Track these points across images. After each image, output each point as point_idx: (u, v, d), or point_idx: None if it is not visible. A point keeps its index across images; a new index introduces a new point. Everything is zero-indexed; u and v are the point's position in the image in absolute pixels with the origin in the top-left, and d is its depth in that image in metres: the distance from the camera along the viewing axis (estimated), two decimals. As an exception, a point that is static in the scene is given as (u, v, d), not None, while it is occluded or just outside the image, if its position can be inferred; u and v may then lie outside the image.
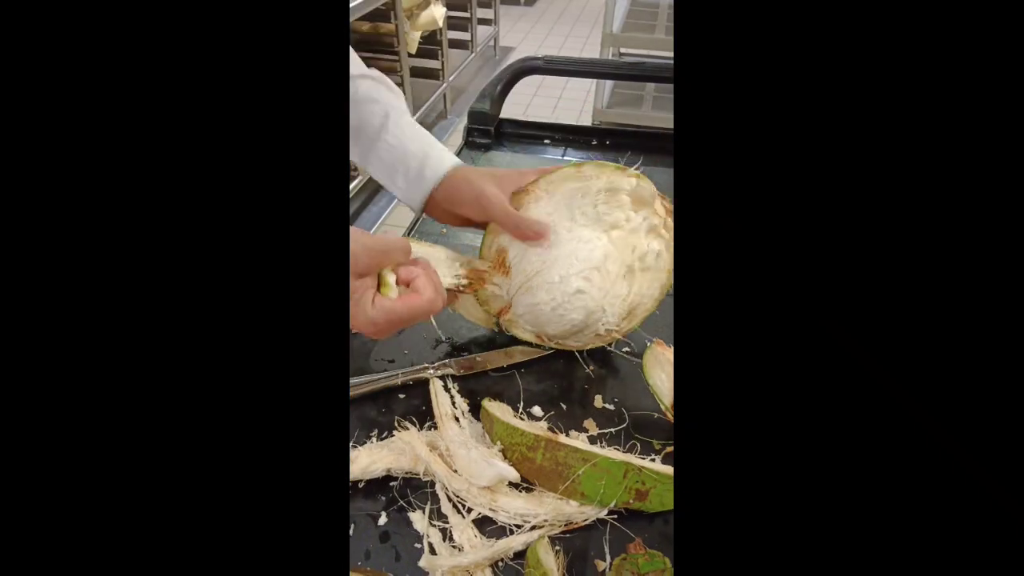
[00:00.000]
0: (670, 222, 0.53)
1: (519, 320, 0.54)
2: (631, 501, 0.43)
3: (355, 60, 0.57)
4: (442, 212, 0.55)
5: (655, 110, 2.25)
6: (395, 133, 0.54)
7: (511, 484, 0.45)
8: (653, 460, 0.46)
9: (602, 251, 0.51)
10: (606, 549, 0.42)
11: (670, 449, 0.49)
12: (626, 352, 0.58)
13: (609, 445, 0.48)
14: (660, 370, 0.48)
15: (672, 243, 0.53)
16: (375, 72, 0.58)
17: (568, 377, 0.56)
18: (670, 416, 0.48)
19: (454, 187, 0.53)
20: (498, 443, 0.46)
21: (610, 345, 0.58)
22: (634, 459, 0.44)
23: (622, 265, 0.52)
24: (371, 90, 0.56)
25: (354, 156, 0.56)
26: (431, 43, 2.58)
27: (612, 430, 0.50)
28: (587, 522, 0.43)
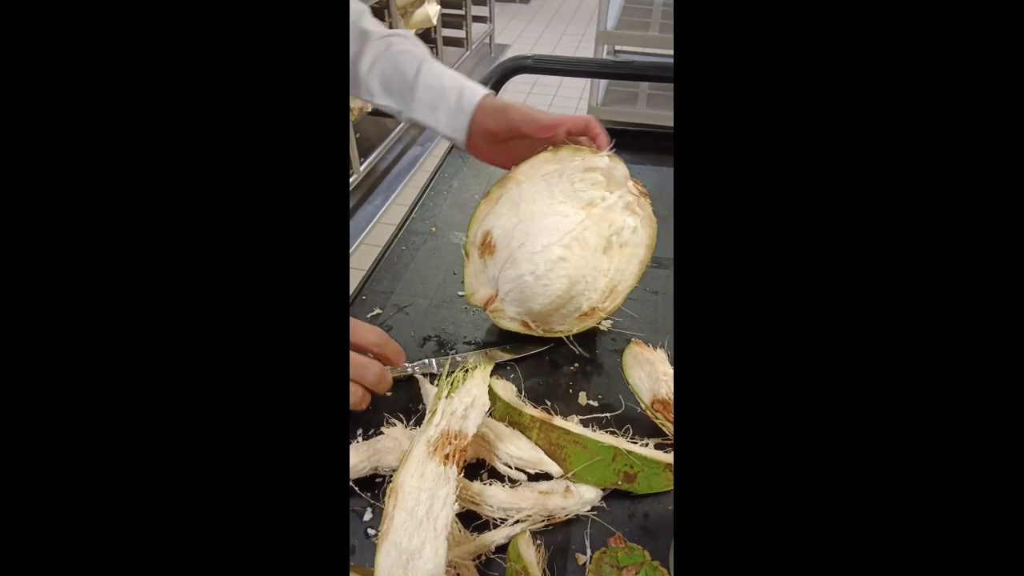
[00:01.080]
0: (643, 201, 0.56)
1: (506, 303, 0.55)
2: (620, 483, 0.45)
3: (377, 22, 0.66)
4: (479, 143, 0.62)
5: (650, 107, 2.25)
6: (430, 74, 0.61)
7: (493, 476, 0.46)
8: (646, 445, 0.47)
9: (580, 224, 0.53)
10: (587, 543, 0.43)
11: (656, 441, 0.49)
12: (611, 349, 0.59)
13: (601, 429, 0.49)
14: (639, 369, 0.48)
15: (648, 219, 0.56)
16: (402, 31, 0.66)
17: (553, 375, 0.56)
18: (650, 414, 0.48)
19: (485, 111, 0.60)
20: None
21: (596, 332, 0.58)
22: (623, 443, 0.45)
23: (600, 238, 0.54)
24: (402, 43, 0.64)
25: (395, 104, 0.63)
26: (426, 41, 2.58)
27: (596, 427, 0.51)
28: (568, 517, 0.44)
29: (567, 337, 0.58)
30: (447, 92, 0.61)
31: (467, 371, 0.46)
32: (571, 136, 0.58)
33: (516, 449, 0.45)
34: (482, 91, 0.61)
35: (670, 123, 0.93)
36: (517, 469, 0.45)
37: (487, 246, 0.55)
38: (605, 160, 0.54)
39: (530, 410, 0.48)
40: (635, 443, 0.46)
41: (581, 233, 0.53)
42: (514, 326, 0.57)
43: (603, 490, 0.45)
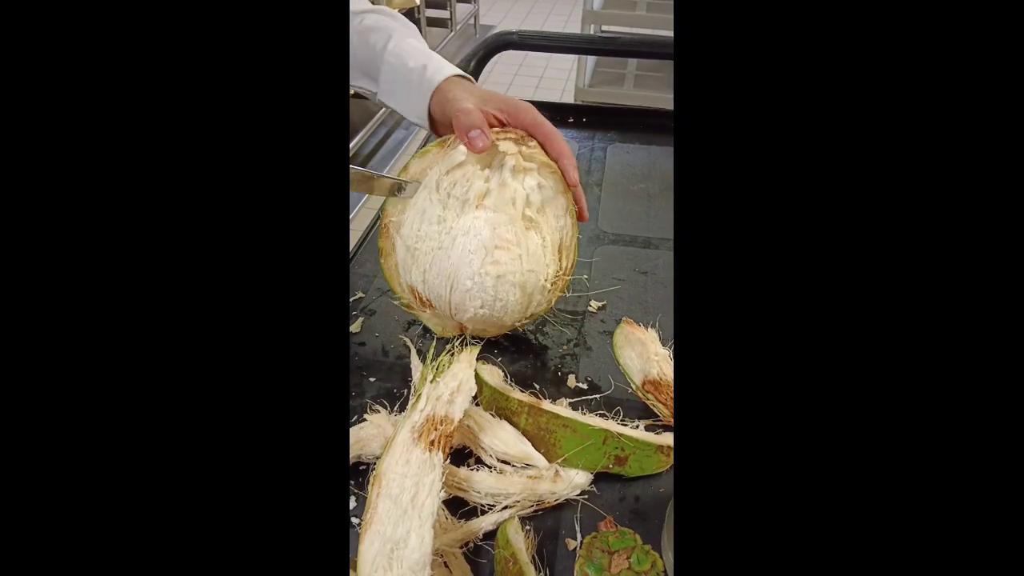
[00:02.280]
0: (528, 148, 0.48)
1: (480, 327, 0.53)
2: (611, 466, 0.44)
3: (358, 0, 0.58)
4: (444, 130, 0.53)
5: (637, 88, 2.23)
6: (396, 52, 0.53)
7: (479, 462, 0.45)
8: (636, 427, 0.46)
9: (488, 227, 0.47)
10: (577, 528, 0.42)
11: (646, 423, 0.49)
12: (600, 331, 0.58)
13: (591, 412, 0.48)
14: (630, 349, 0.47)
15: (544, 165, 0.49)
16: (382, 7, 0.58)
17: (541, 357, 0.55)
18: (641, 395, 0.47)
19: (439, 96, 0.51)
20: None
21: (567, 292, 0.56)
22: (613, 426, 0.44)
23: (515, 222, 0.48)
24: (376, 21, 0.56)
25: (368, 85, 0.56)
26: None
27: (586, 410, 0.50)
28: (558, 501, 0.43)
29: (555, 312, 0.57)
30: (411, 72, 0.52)
31: (452, 354, 0.44)
32: (506, 128, 0.49)
33: (501, 443, 0.44)
34: (448, 71, 0.52)
35: (657, 104, 0.91)
36: (502, 462, 0.44)
37: (423, 302, 0.51)
38: (461, 150, 0.47)
39: (517, 395, 0.46)
40: (626, 425, 0.45)
41: (493, 237, 0.47)
42: (501, 333, 0.55)
43: (593, 474, 0.44)
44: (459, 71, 0.53)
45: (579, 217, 0.50)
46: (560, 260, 0.51)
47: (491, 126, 0.48)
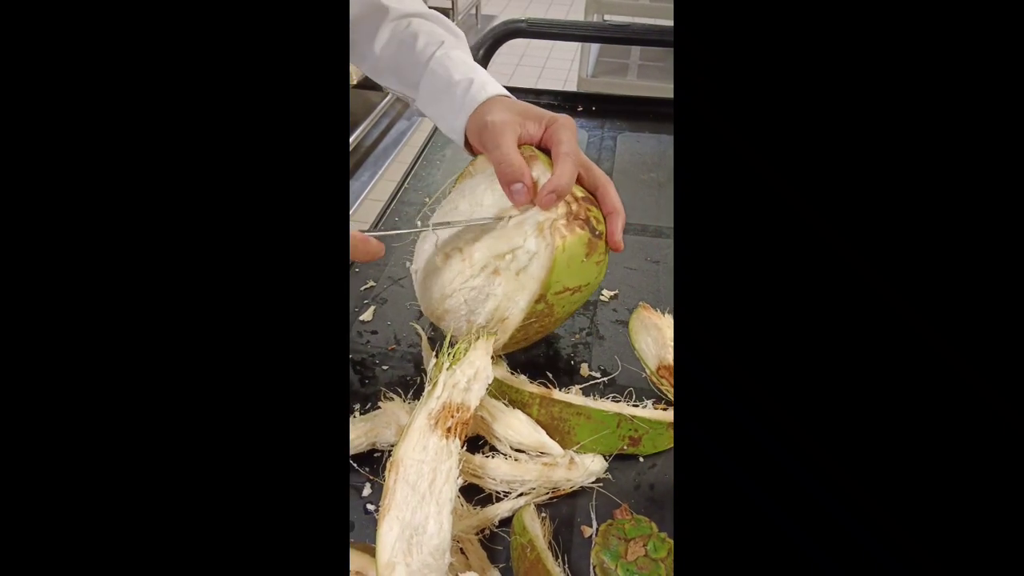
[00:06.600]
0: (561, 223, 0.43)
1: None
2: (625, 448, 0.44)
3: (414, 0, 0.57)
4: (473, 147, 0.52)
5: (641, 78, 2.21)
6: (442, 63, 0.52)
7: (494, 449, 0.45)
8: (646, 407, 0.46)
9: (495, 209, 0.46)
10: (592, 515, 0.42)
11: (652, 401, 0.49)
12: (613, 320, 0.57)
13: (601, 397, 0.48)
14: (646, 335, 0.47)
15: (549, 247, 0.42)
16: (433, 12, 0.57)
17: (554, 346, 0.55)
18: (655, 380, 0.47)
19: (477, 116, 0.49)
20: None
21: (597, 303, 0.56)
22: (626, 409, 0.45)
23: (489, 256, 0.45)
24: (423, 26, 0.55)
25: (405, 90, 0.56)
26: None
27: (596, 395, 0.50)
28: (573, 488, 0.43)
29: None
30: (456, 86, 0.50)
31: (469, 343, 0.44)
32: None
33: (515, 433, 0.44)
34: (492, 90, 0.49)
35: (660, 95, 0.90)
36: (517, 451, 0.44)
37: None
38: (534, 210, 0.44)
39: (528, 386, 0.46)
40: (636, 407, 0.45)
41: (460, 243, 0.46)
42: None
43: (608, 456, 0.45)
44: (502, 90, 0.51)
45: (612, 247, 0.46)
46: (495, 324, 0.47)
47: (526, 143, 0.48)
